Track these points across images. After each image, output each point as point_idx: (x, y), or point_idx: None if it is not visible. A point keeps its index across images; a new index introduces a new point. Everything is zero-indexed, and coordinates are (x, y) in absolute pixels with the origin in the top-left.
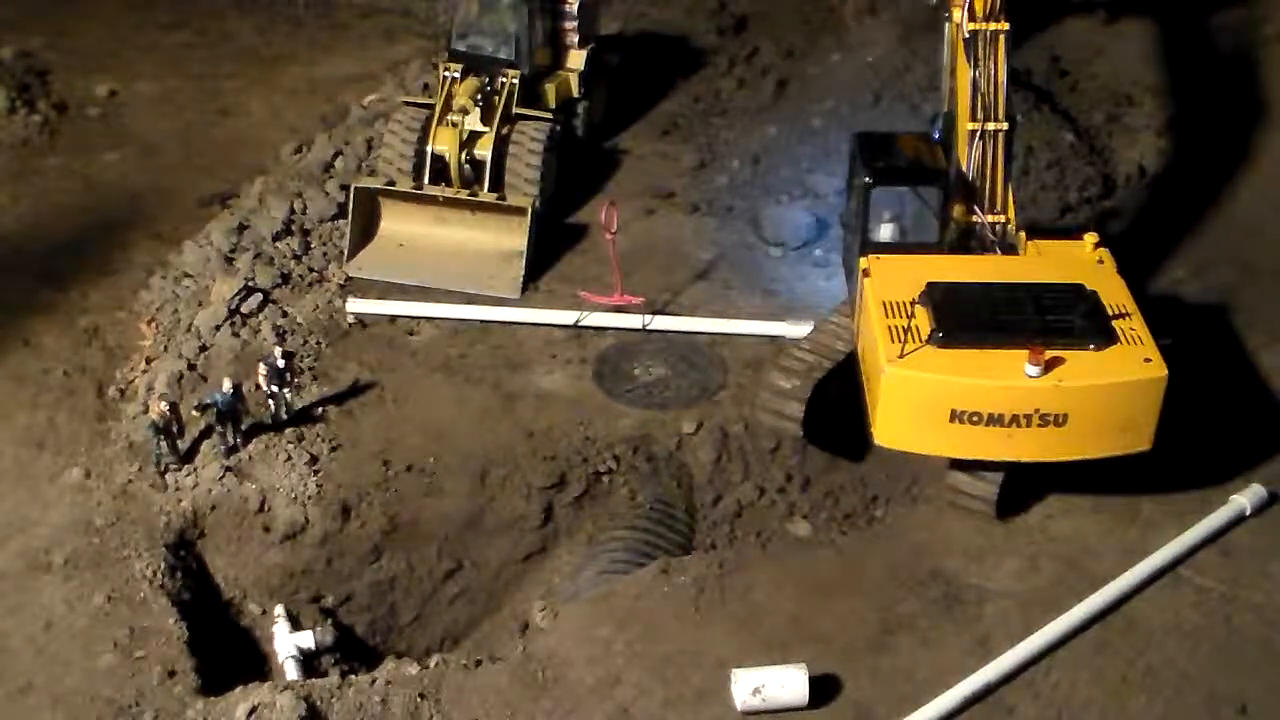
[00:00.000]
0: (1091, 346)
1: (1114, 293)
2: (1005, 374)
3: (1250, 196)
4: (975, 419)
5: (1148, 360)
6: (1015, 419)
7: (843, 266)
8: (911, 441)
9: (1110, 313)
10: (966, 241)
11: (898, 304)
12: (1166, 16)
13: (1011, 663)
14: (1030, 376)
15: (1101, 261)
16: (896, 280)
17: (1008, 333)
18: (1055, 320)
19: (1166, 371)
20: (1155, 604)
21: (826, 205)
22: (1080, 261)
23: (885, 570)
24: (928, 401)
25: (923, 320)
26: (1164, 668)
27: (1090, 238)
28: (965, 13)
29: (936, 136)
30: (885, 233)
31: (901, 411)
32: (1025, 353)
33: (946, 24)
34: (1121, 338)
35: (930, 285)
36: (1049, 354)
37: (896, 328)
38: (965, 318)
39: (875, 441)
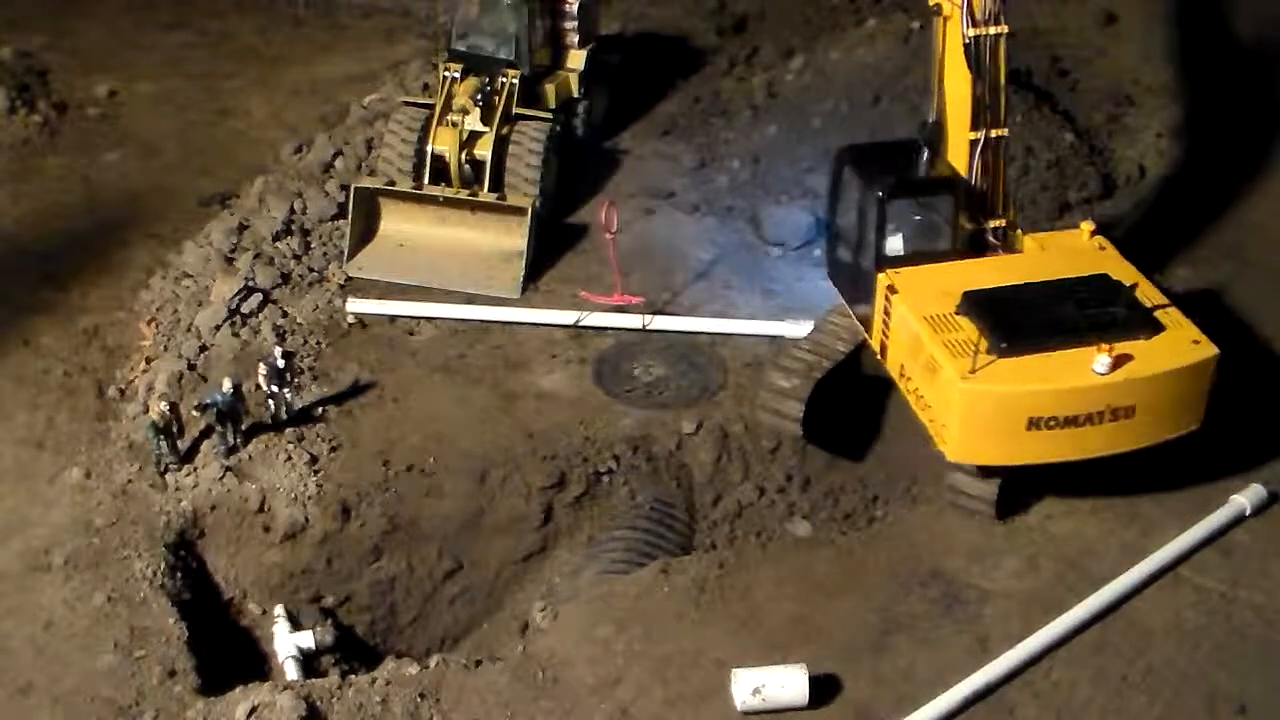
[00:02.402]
0: (1142, 336)
1: (1131, 278)
2: (1076, 375)
3: (1252, 196)
4: (1051, 424)
5: (1196, 342)
6: (1089, 418)
7: (831, 279)
8: (988, 454)
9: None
10: (970, 246)
11: (939, 317)
12: (1167, 16)
13: (1011, 663)
14: (1099, 374)
15: (1103, 248)
16: (925, 292)
17: (1063, 333)
18: (1100, 314)
19: (1216, 350)
20: (1155, 604)
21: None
22: (1085, 250)
23: (885, 570)
24: (1006, 413)
25: (970, 330)
26: (1164, 668)
27: (1087, 225)
28: (966, 17)
29: (922, 142)
30: (893, 245)
31: (979, 426)
32: (1083, 351)
33: (937, 27)
34: (1164, 323)
35: (968, 294)
36: (1116, 350)
37: (953, 342)
38: (1018, 324)
39: (950, 459)
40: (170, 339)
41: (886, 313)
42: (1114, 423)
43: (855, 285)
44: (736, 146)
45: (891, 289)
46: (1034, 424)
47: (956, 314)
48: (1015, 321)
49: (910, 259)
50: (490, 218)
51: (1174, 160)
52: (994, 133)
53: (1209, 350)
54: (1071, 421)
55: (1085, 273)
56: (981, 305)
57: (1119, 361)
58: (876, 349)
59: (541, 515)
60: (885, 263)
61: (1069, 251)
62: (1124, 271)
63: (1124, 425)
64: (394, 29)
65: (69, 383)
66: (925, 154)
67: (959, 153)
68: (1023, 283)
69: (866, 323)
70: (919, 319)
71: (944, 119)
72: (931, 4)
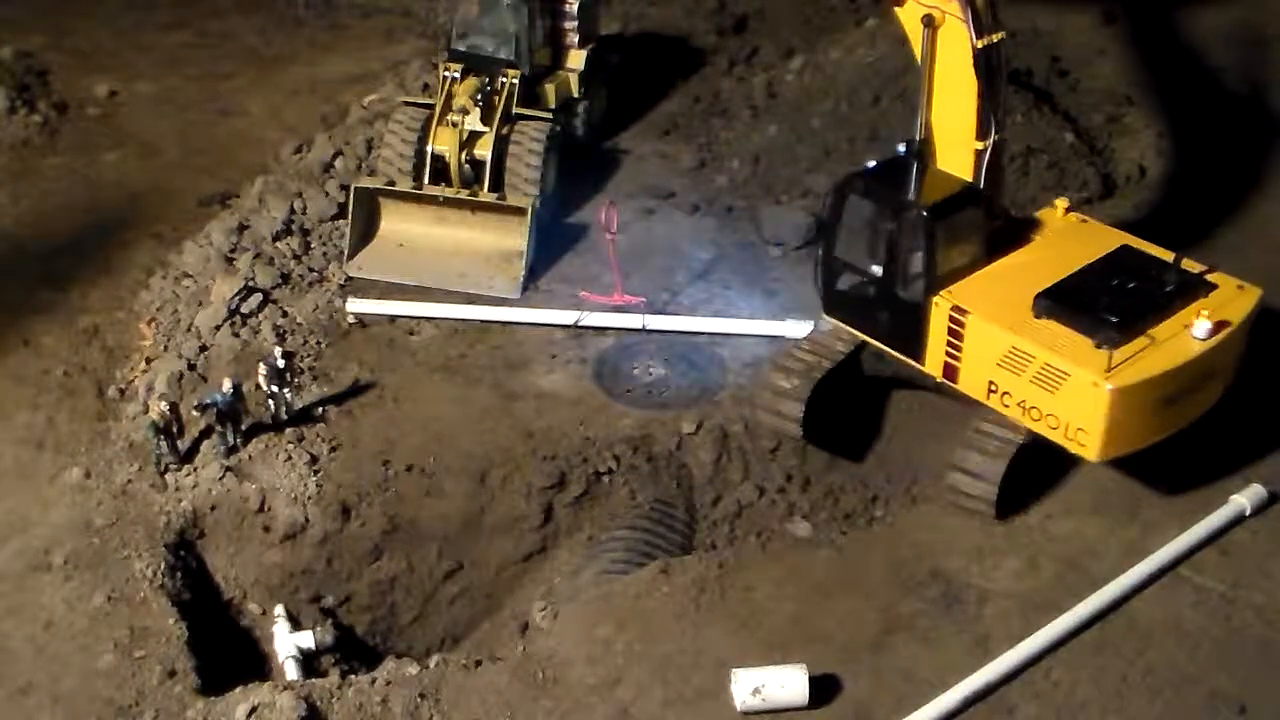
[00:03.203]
0: (1206, 295)
1: (1135, 243)
2: (1186, 345)
3: (1252, 196)
4: (1175, 398)
5: (1241, 287)
6: (1195, 384)
7: (831, 313)
8: (1127, 445)
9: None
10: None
11: (1025, 324)
12: (1167, 16)
13: (1011, 663)
14: (1202, 339)
15: (1085, 221)
16: (994, 304)
17: (1153, 310)
18: (1163, 284)
19: (1259, 289)
20: (1155, 604)
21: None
22: (1082, 229)
23: (885, 570)
24: (1146, 400)
25: (1059, 330)
26: (1164, 668)
27: (1061, 202)
28: (972, 27)
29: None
30: (941, 265)
31: (1124, 420)
32: (1172, 323)
33: (925, 40)
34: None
35: (1039, 298)
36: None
37: (1063, 346)
38: (1108, 313)
39: (1094, 460)
40: (170, 339)
41: (955, 335)
42: (1204, 385)
43: (884, 316)
44: (736, 146)
45: (959, 310)
46: (1166, 403)
47: (1037, 319)
48: (1103, 311)
49: (953, 276)
50: (490, 218)
51: (1174, 160)
52: (996, 137)
53: (1256, 291)
54: (1185, 392)
55: (1107, 249)
56: (1057, 305)
57: (1219, 325)
58: (937, 374)
59: (541, 515)
60: (939, 285)
61: (1069, 233)
62: (1123, 238)
63: (1208, 387)
64: (394, 29)
65: (69, 383)
66: (916, 169)
67: (955, 162)
68: (1073, 272)
69: (908, 351)
70: (1012, 332)
71: (931, 132)
72: (923, 14)
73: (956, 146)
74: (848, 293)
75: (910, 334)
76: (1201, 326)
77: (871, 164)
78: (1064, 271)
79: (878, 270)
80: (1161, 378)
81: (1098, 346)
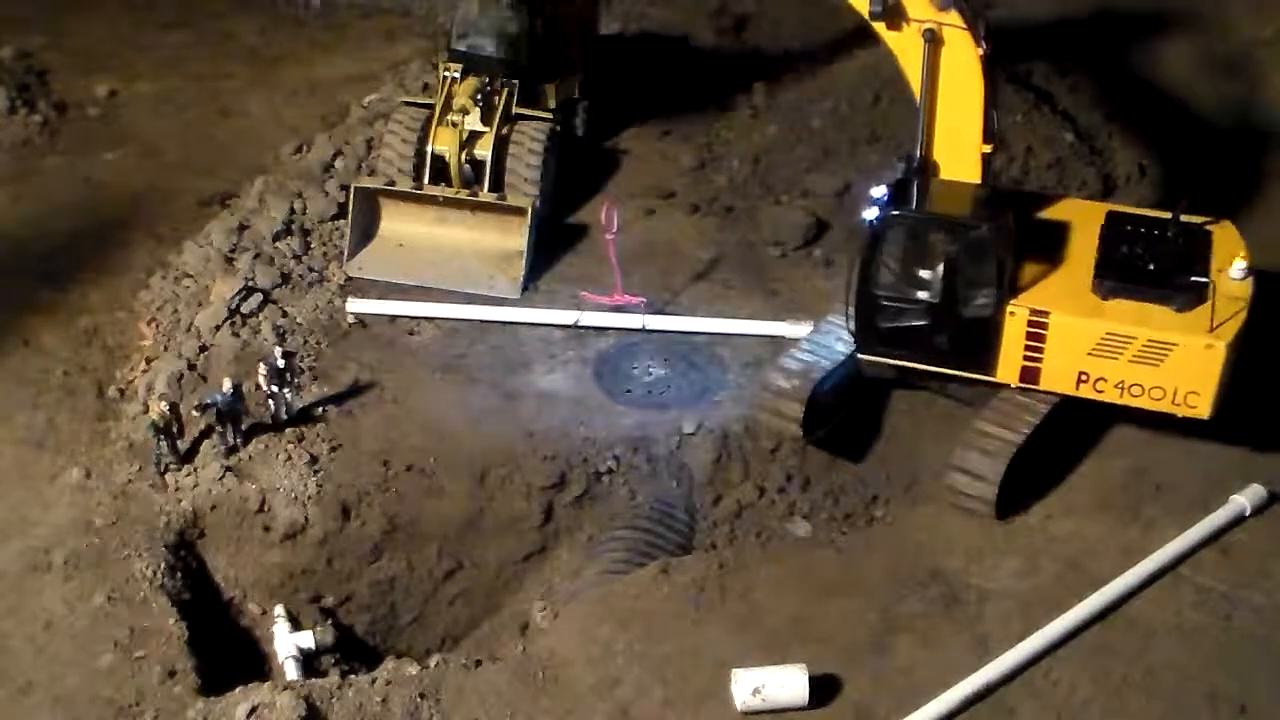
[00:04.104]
0: (1211, 242)
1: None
2: (1239, 290)
3: (1252, 196)
4: (1243, 344)
5: (1225, 225)
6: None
7: (870, 351)
8: (1223, 394)
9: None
10: None
11: (1102, 308)
12: (1167, 16)
13: (1011, 663)
14: (1238, 280)
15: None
16: (1064, 299)
17: (1192, 266)
18: (1180, 239)
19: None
20: (1155, 604)
21: (826, 205)
22: (1054, 202)
23: (885, 570)
24: (1238, 348)
25: (1136, 306)
26: (1164, 668)
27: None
28: (978, 39)
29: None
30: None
31: (1227, 373)
32: (1214, 273)
33: (925, 55)
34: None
35: (1099, 279)
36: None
37: (1152, 320)
38: (1170, 277)
39: (1208, 417)
40: (170, 339)
41: (1036, 338)
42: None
43: (940, 340)
44: (736, 146)
45: (1039, 312)
46: (1240, 350)
47: (1106, 300)
48: (1165, 277)
49: (1015, 282)
50: (490, 218)
51: (1174, 160)
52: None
53: (1230, 225)
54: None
55: (1098, 218)
56: (1122, 283)
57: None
58: (1012, 381)
59: (541, 515)
60: (1011, 294)
61: (1052, 213)
62: (1098, 206)
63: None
64: (394, 29)
65: (69, 383)
66: (916, 186)
67: (962, 170)
68: (1100, 250)
69: (974, 366)
70: (1100, 320)
71: (930, 149)
72: (924, 30)
73: (964, 154)
74: (892, 327)
75: (977, 349)
76: (1239, 268)
77: (881, 195)
78: (1089, 251)
79: (928, 297)
80: (1242, 326)
81: (1180, 311)
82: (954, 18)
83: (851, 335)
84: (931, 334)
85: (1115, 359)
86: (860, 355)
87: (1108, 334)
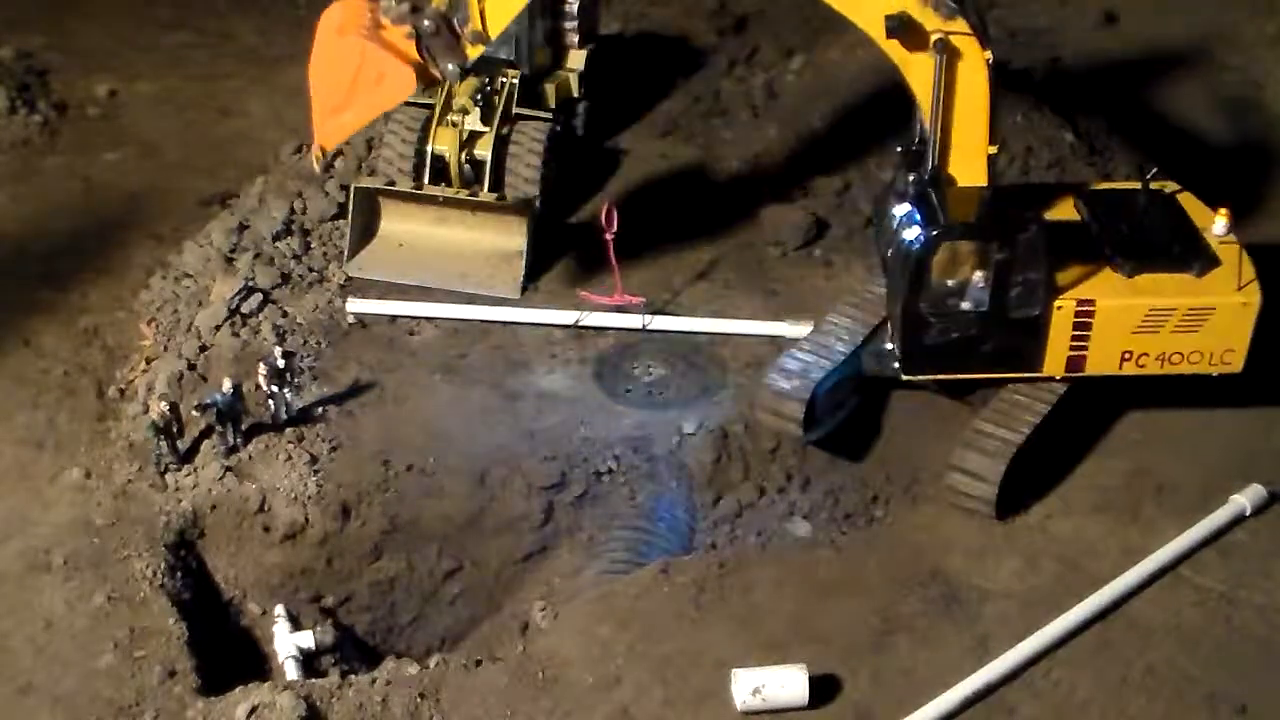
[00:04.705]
0: (1184, 203)
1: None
2: (1234, 247)
3: (1252, 196)
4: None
5: (1179, 190)
6: None
7: (917, 371)
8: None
9: None
10: None
11: (1134, 286)
12: (1167, 16)
13: (1011, 663)
14: (1222, 235)
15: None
16: (1093, 284)
17: (1188, 231)
18: (1161, 206)
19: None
20: (1155, 604)
21: (826, 205)
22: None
23: (885, 570)
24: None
25: (1163, 278)
26: (1164, 668)
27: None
28: (982, 44)
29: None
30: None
31: (1253, 328)
32: (1205, 233)
33: (936, 66)
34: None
35: (1118, 259)
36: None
37: (1184, 289)
38: (1179, 245)
39: (1239, 370)
40: (170, 339)
41: (1083, 327)
42: None
43: (988, 346)
44: (736, 146)
45: (1085, 302)
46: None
47: (1132, 278)
48: (1175, 246)
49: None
50: (490, 217)
51: (1173, 160)
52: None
53: (1176, 186)
54: None
55: (1066, 200)
56: (1143, 259)
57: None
58: (1058, 373)
59: (541, 515)
60: (1056, 289)
61: (1025, 200)
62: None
63: None
64: None
65: (69, 383)
66: (966, 192)
67: (969, 173)
68: (1098, 228)
69: (1022, 366)
70: (1140, 298)
71: (946, 157)
72: (935, 40)
73: (971, 157)
74: (939, 344)
75: (1025, 348)
76: (1220, 224)
77: (907, 213)
78: (1080, 234)
79: (974, 305)
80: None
81: (1200, 276)
82: (961, 24)
83: (897, 363)
84: (979, 343)
85: (1157, 332)
86: (905, 378)
87: (1151, 310)
